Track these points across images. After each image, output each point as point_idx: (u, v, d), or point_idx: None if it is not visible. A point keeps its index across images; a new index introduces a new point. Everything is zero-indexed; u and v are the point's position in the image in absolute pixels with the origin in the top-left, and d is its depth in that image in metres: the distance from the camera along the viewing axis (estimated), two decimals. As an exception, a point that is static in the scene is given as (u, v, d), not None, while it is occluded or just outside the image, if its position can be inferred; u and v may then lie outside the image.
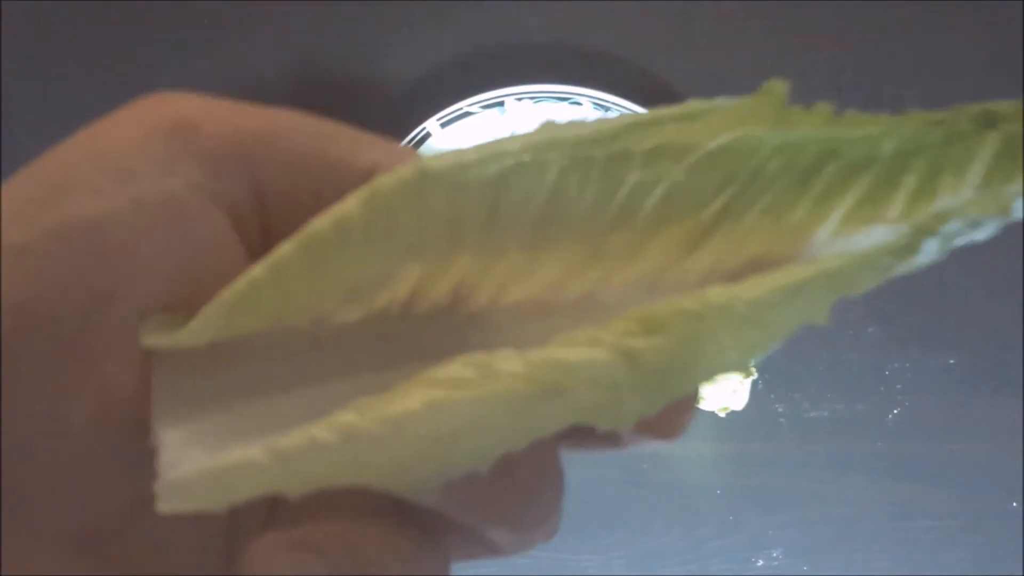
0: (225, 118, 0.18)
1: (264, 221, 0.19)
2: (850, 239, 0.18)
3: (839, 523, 0.62)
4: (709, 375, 0.17)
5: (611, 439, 0.19)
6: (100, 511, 0.18)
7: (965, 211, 0.17)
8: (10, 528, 0.17)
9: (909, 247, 0.17)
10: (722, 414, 0.61)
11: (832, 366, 0.65)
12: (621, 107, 0.66)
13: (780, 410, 0.64)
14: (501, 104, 0.67)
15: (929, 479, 0.62)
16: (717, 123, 0.18)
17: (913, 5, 0.74)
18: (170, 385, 0.17)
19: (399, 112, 0.67)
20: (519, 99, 0.67)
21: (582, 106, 0.67)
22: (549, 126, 0.18)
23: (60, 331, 0.16)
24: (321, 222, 0.17)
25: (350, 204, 0.17)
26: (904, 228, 0.17)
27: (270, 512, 0.19)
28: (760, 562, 0.61)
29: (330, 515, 0.18)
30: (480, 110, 0.67)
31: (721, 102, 0.18)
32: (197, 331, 0.17)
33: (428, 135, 0.66)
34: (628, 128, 0.18)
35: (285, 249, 0.17)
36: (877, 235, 0.17)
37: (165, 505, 0.16)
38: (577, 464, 0.64)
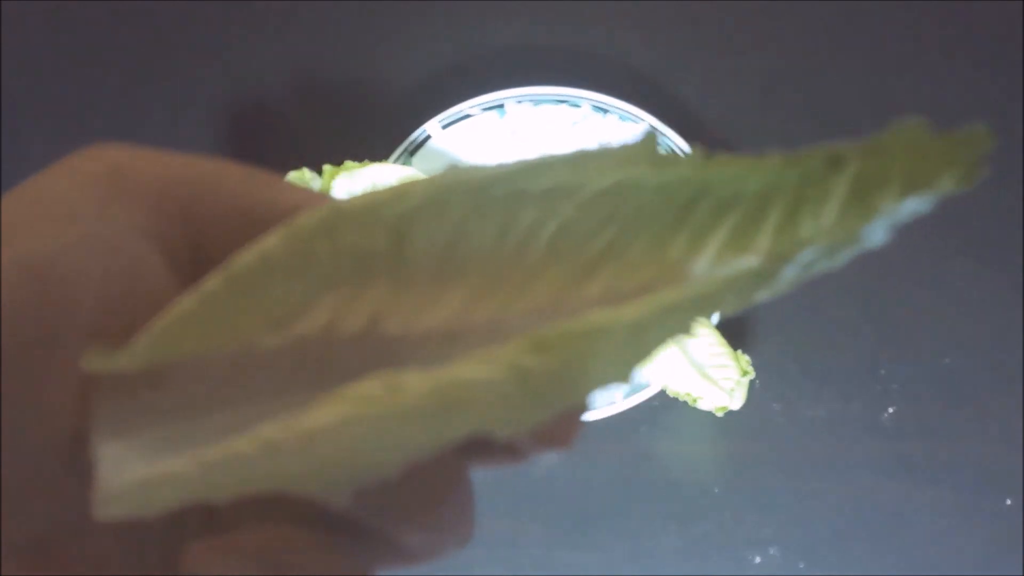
0: (157, 165, 0.20)
1: (194, 256, 0.21)
2: (724, 268, 0.20)
3: (836, 522, 0.62)
4: (594, 387, 0.19)
5: (512, 452, 0.21)
6: (50, 523, 0.19)
7: (819, 241, 0.19)
8: None
9: (768, 273, 0.19)
10: (719, 414, 0.62)
11: (828, 366, 0.66)
12: (620, 109, 0.67)
13: (777, 409, 0.65)
14: (501, 107, 0.68)
15: (925, 478, 0.63)
16: (603, 166, 0.20)
17: (913, 5, 0.74)
18: (109, 405, 0.19)
19: (400, 114, 0.68)
20: (519, 101, 0.68)
21: (581, 108, 0.68)
22: (453, 169, 0.20)
23: (12, 359, 0.18)
24: (245, 256, 0.19)
25: (272, 240, 0.19)
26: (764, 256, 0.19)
27: (207, 520, 0.21)
28: (757, 559, 0.62)
29: (261, 522, 0.20)
30: (480, 112, 0.68)
31: (604, 149, 0.20)
32: (132, 356, 0.19)
33: (429, 137, 0.67)
34: (524, 171, 0.20)
35: (212, 281, 0.19)
36: (745, 263, 0.20)
37: (102, 512, 0.18)
38: (577, 464, 0.64)
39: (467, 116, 0.67)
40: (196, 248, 0.21)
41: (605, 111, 0.67)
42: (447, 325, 0.20)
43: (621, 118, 0.66)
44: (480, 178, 0.19)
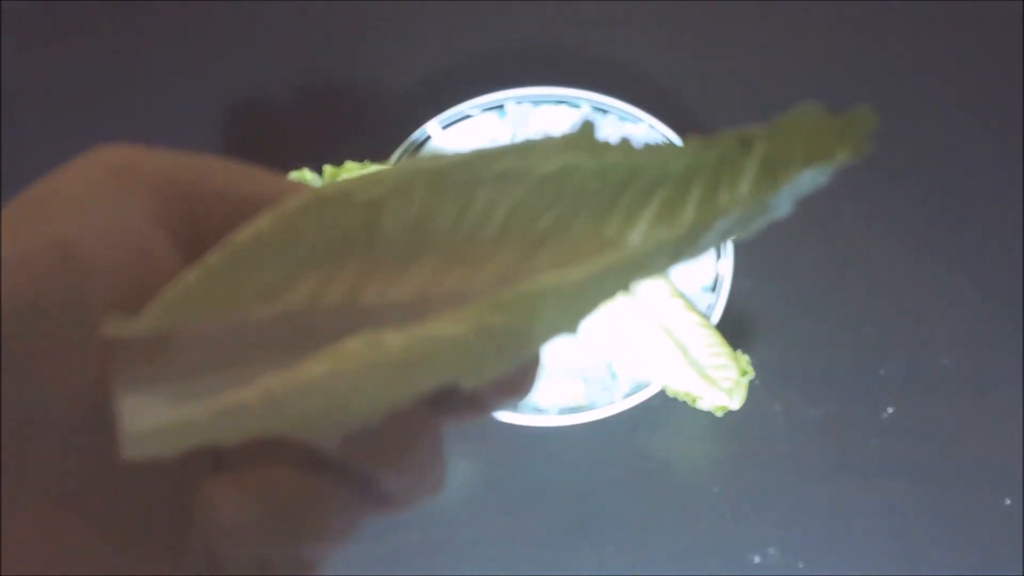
0: (161, 161, 0.24)
1: (195, 237, 0.24)
2: (654, 238, 0.23)
3: (835, 522, 0.63)
4: (548, 339, 0.22)
5: (476, 406, 0.24)
6: (77, 473, 0.22)
7: (734, 212, 0.22)
8: (9, 491, 0.21)
9: (690, 239, 0.23)
10: (719, 414, 0.62)
11: (828, 366, 0.66)
12: (620, 110, 0.67)
13: (777, 409, 0.65)
14: (501, 107, 0.68)
15: (924, 478, 0.63)
16: (547, 153, 0.23)
17: (913, 5, 0.74)
18: (126, 367, 0.22)
19: (400, 115, 0.68)
20: (519, 102, 0.68)
21: (581, 108, 0.68)
22: (415, 159, 0.23)
23: (45, 328, 0.21)
24: (240, 235, 0.22)
25: (262, 220, 0.22)
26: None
27: (215, 467, 0.24)
28: (756, 559, 0.62)
29: (263, 465, 0.23)
30: (480, 113, 0.68)
31: (549, 138, 0.23)
32: (145, 324, 0.21)
33: (429, 137, 0.67)
34: (477, 159, 0.23)
35: (211, 257, 0.22)
36: (671, 233, 0.23)
37: (128, 453, 0.21)
38: (576, 464, 0.64)
39: (467, 116, 0.68)
40: (196, 231, 0.24)
41: (605, 111, 0.67)
42: (416, 295, 0.23)
43: (620, 118, 0.66)
44: (440, 166, 0.22)
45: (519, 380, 0.24)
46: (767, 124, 0.23)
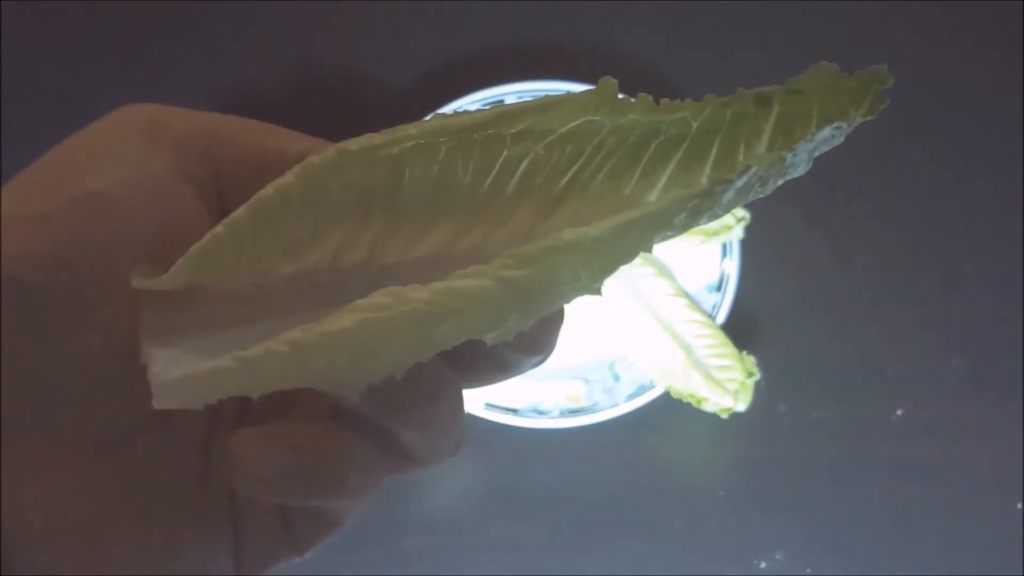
0: (186, 118, 0.24)
1: (220, 194, 0.24)
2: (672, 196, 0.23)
3: (842, 525, 0.62)
4: (570, 295, 0.23)
5: (498, 363, 0.25)
6: (107, 423, 0.23)
7: (750, 168, 0.23)
8: (35, 432, 0.22)
9: (710, 195, 0.23)
10: (724, 416, 0.61)
11: (835, 367, 0.65)
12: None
13: (783, 411, 0.64)
14: (500, 102, 0.67)
15: (932, 480, 0.63)
16: (567, 112, 0.23)
17: (913, 5, 0.73)
18: (155, 318, 0.22)
19: (398, 111, 0.67)
20: (518, 97, 0.67)
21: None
22: (439, 116, 0.23)
23: (76, 278, 0.22)
24: (267, 190, 0.22)
25: (288, 176, 0.22)
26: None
27: (239, 420, 0.25)
28: (762, 564, 0.61)
29: (291, 418, 0.23)
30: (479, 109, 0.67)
31: (569, 96, 0.23)
32: (173, 276, 0.22)
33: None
34: (499, 116, 0.23)
35: (239, 212, 0.22)
36: (691, 190, 0.23)
37: (158, 403, 0.21)
38: (580, 467, 0.63)
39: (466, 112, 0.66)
40: (222, 187, 0.24)
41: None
42: (436, 253, 0.23)
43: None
44: (462, 123, 0.23)
45: (541, 338, 0.24)
46: (785, 84, 0.24)
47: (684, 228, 0.23)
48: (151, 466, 0.23)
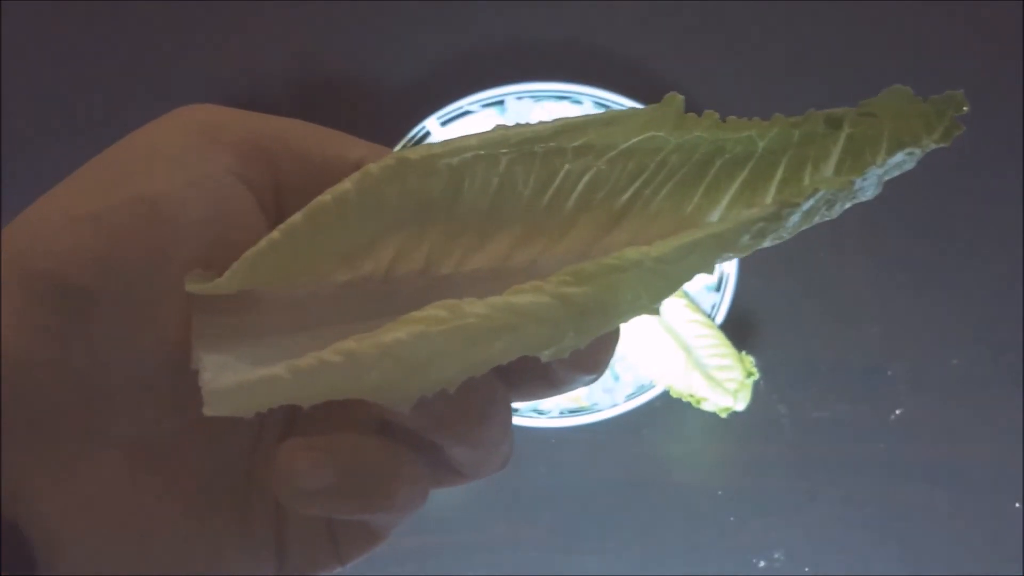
0: (244, 120, 0.24)
1: (277, 198, 0.24)
2: (735, 217, 0.23)
3: (841, 524, 0.62)
4: (628, 315, 0.22)
5: (550, 380, 0.24)
6: (155, 427, 0.23)
7: (819, 191, 0.23)
8: (83, 433, 0.22)
9: (776, 216, 0.23)
10: (723, 415, 0.61)
11: (834, 367, 0.65)
12: (621, 105, 0.66)
13: (782, 411, 0.65)
14: (501, 103, 0.67)
15: (931, 480, 0.63)
16: (630, 127, 0.23)
17: (914, 5, 0.73)
18: (207, 323, 0.22)
19: (399, 110, 0.67)
20: (519, 97, 0.67)
21: (582, 105, 0.67)
22: (500, 127, 0.23)
23: (131, 279, 0.22)
24: (324, 197, 0.22)
25: (346, 183, 0.22)
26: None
27: (286, 426, 0.25)
28: (761, 563, 0.61)
29: (337, 430, 0.23)
30: (480, 108, 0.67)
31: (633, 110, 0.23)
32: (228, 281, 0.22)
33: (428, 134, 0.66)
34: (561, 129, 0.23)
35: (296, 218, 0.22)
36: (756, 211, 0.23)
37: (209, 410, 0.21)
38: (579, 466, 0.63)
39: (467, 112, 0.67)
40: (279, 191, 0.24)
41: (606, 107, 0.66)
42: (492, 266, 0.23)
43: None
44: (524, 135, 0.23)
45: (596, 357, 0.24)
46: (856, 106, 0.24)
47: (747, 250, 0.23)
48: (197, 470, 0.23)
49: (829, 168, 0.23)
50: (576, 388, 0.25)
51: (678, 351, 0.61)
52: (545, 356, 0.22)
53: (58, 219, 0.22)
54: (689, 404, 0.62)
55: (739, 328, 0.65)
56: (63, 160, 0.74)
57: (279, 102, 0.70)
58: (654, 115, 0.23)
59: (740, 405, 0.61)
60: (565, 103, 0.67)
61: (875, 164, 0.23)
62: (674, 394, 0.62)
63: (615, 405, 0.61)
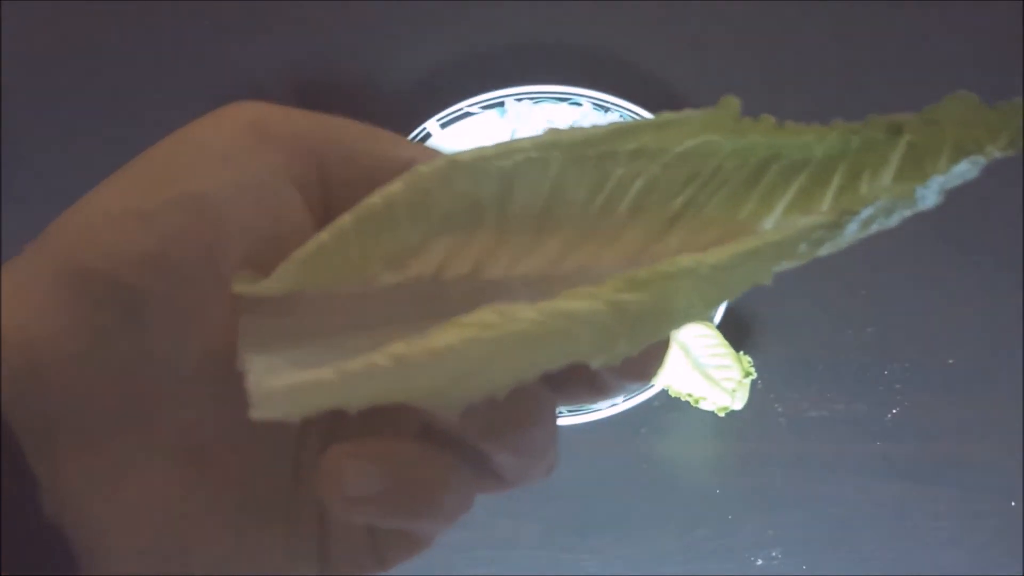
0: (292, 119, 0.24)
1: (326, 197, 0.24)
2: (790, 225, 0.22)
3: (838, 523, 0.62)
4: (681, 322, 0.22)
5: (599, 387, 0.24)
6: (201, 428, 0.22)
7: (880, 199, 0.22)
8: (129, 433, 0.22)
9: (836, 225, 0.22)
10: (721, 414, 0.62)
11: (831, 366, 0.66)
12: (620, 108, 0.67)
13: (779, 410, 0.65)
14: (501, 105, 0.68)
15: (928, 479, 0.63)
16: (684, 131, 0.23)
17: (914, 5, 0.74)
18: (253, 325, 0.22)
19: (399, 112, 0.67)
20: (519, 99, 0.68)
21: (582, 107, 0.67)
22: (553, 130, 0.22)
23: (179, 278, 0.21)
24: (374, 198, 0.22)
25: (396, 185, 0.22)
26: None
27: (330, 430, 0.24)
28: (759, 562, 0.61)
29: (383, 435, 0.23)
30: (480, 110, 0.68)
31: (688, 113, 0.23)
32: (276, 282, 0.22)
33: (428, 135, 0.67)
34: (615, 133, 0.22)
35: (345, 219, 0.22)
36: (814, 218, 0.22)
37: (256, 412, 0.21)
38: (578, 465, 0.64)
39: (467, 114, 0.67)
40: (327, 191, 0.24)
41: (606, 109, 0.66)
42: (543, 270, 0.23)
43: (622, 116, 0.66)
44: (576, 139, 0.22)
45: (646, 364, 0.23)
46: (919, 112, 0.23)
47: (804, 259, 0.22)
48: (241, 472, 0.23)
49: (888, 176, 0.22)
50: (624, 394, 0.24)
51: (676, 351, 0.62)
52: (596, 363, 0.21)
53: (108, 216, 0.21)
54: (687, 403, 0.63)
55: (737, 328, 0.65)
56: (63, 160, 0.75)
57: (279, 103, 0.70)
58: (710, 119, 0.23)
59: (738, 404, 0.62)
60: (564, 105, 0.67)
61: (937, 172, 0.22)
62: (672, 393, 0.62)
63: (614, 404, 0.62)
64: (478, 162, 0.22)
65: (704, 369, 0.62)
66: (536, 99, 0.67)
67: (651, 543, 0.63)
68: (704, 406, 0.62)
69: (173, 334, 0.22)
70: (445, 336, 0.20)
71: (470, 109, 0.67)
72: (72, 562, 0.21)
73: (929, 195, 0.23)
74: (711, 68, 0.72)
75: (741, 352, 0.62)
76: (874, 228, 0.23)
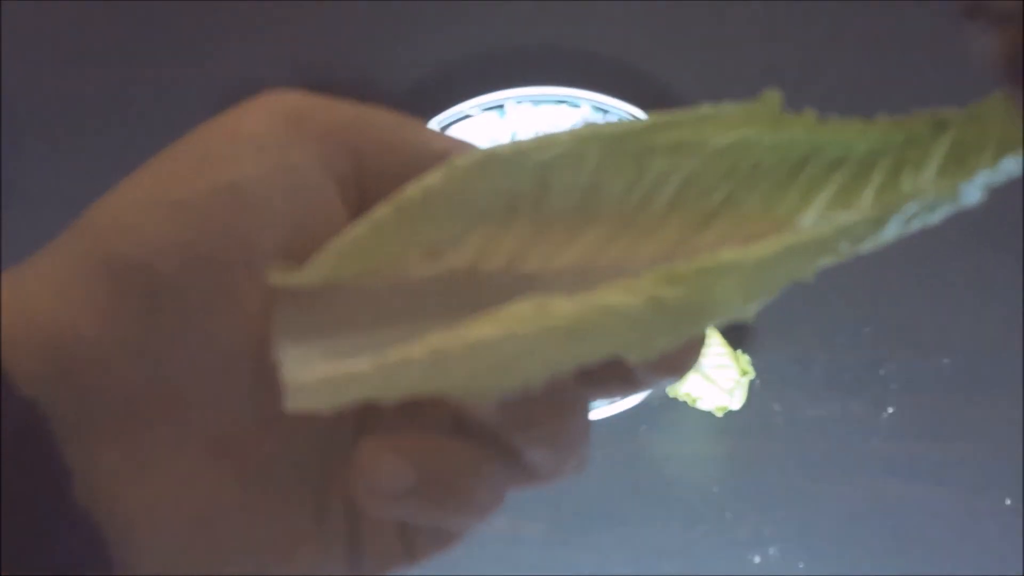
0: (328, 109, 0.23)
1: (360, 188, 0.24)
2: (830, 222, 0.22)
3: (836, 522, 0.63)
4: (720, 318, 0.22)
5: (632, 381, 0.24)
6: (234, 420, 0.22)
7: (923, 195, 0.22)
8: (161, 424, 0.22)
9: (879, 221, 0.22)
10: (719, 414, 0.62)
11: (828, 366, 0.66)
12: (620, 110, 0.67)
13: (776, 409, 0.65)
14: (501, 107, 0.68)
15: (924, 478, 0.63)
16: (723, 125, 0.22)
17: (911, 5, 0.74)
18: (288, 316, 0.22)
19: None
20: (519, 102, 0.68)
21: (581, 108, 0.68)
22: (590, 124, 0.22)
23: (213, 268, 0.21)
24: (411, 189, 0.22)
25: (433, 176, 0.22)
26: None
27: (361, 422, 0.24)
28: (757, 559, 0.62)
29: (416, 429, 0.23)
30: (480, 113, 0.68)
31: (727, 107, 0.23)
32: (311, 273, 0.22)
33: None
34: (653, 127, 0.22)
35: (382, 210, 0.22)
36: (854, 215, 0.22)
37: (290, 404, 0.21)
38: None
39: (467, 116, 0.67)
40: (362, 181, 0.24)
41: (605, 111, 0.67)
42: (579, 263, 0.23)
43: (621, 119, 0.66)
44: (614, 133, 0.22)
45: (681, 358, 0.23)
46: (963, 109, 0.23)
47: (845, 255, 0.22)
48: (272, 465, 0.23)
49: (930, 172, 0.22)
50: (656, 387, 0.24)
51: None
52: (633, 357, 0.21)
53: (142, 205, 0.21)
54: (685, 403, 0.63)
55: (734, 327, 0.65)
56: (65, 159, 0.75)
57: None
58: (750, 113, 0.22)
59: (736, 404, 0.62)
60: (564, 107, 0.68)
61: (982, 168, 0.22)
62: (670, 393, 0.63)
63: (612, 403, 0.62)
64: (515, 155, 0.22)
65: (702, 368, 0.62)
66: (536, 101, 0.68)
67: (649, 541, 0.63)
68: (702, 405, 0.62)
69: (206, 324, 0.21)
70: (481, 329, 0.20)
71: (470, 111, 0.67)
72: (104, 552, 0.21)
73: (973, 191, 0.22)
74: (712, 70, 0.72)
75: (739, 351, 0.63)
76: (915, 225, 0.23)
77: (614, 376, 0.23)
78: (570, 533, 0.63)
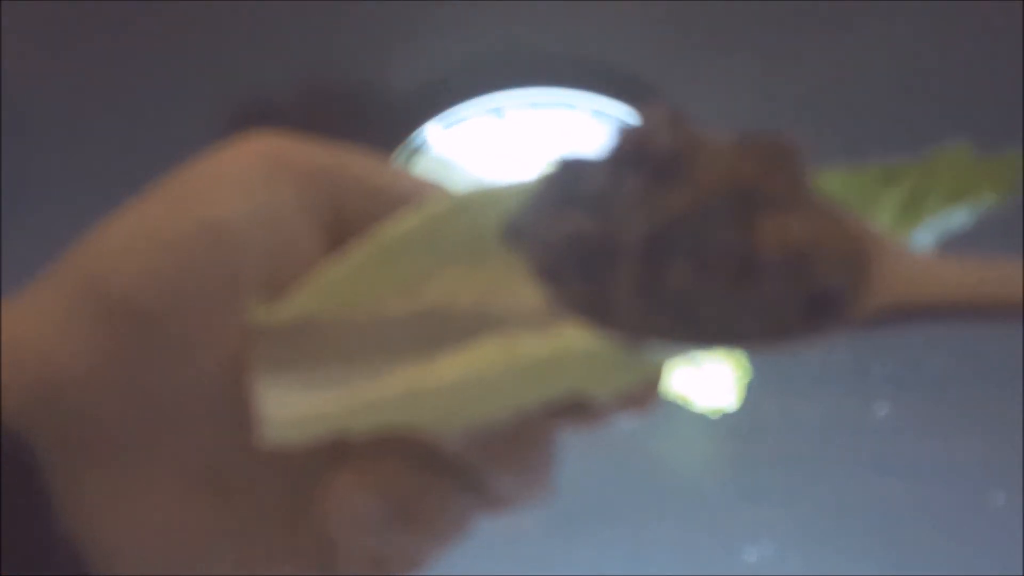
0: (306, 151, 0.25)
1: (338, 227, 0.24)
2: None
3: (830, 520, 0.63)
4: (680, 355, 0.23)
5: (599, 415, 0.24)
6: (216, 452, 0.23)
7: None
8: (141, 455, 0.22)
9: None
10: (715, 416, 0.62)
11: (822, 365, 0.66)
12: (619, 114, 0.67)
13: (772, 408, 0.65)
14: (500, 109, 0.68)
15: (918, 476, 0.64)
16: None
17: (915, 5, 0.73)
18: (265, 351, 0.22)
19: (398, 117, 0.68)
20: (518, 104, 0.68)
21: (580, 112, 0.68)
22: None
23: (196, 303, 0.22)
24: (385, 229, 0.23)
25: (407, 217, 0.23)
26: None
27: (334, 453, 0.25)
28: (753, 557, 0.62)
29: (391, 461, 0.23)
30: (479, 115, 0.68)
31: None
32: (288, 309, 0.23)
33: (427, 140, 0.67)
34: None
35: (358, 249, 0.23)
36: None
37: (267, 438, 0.21)
38: (573, 463, 0.64)
39: (466, 119, 0.67)
40: (338, 220, 0.24)
41: (604, 115, 0.67)
42: (544, 304, 0.23)
43: (619, 123, 0.66)
44: None
45: (645, 395, 0.24)
46: (915, 159, 0.23)
47: None
48: (249, 493, 0.24)
49: (884, 219, 0.23)
50: (623, 422, 0.25)
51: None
52: (596, 395, 0.22)
53: (128, 243, 0.22)
54: (682, 403, 0.63)
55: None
56: (66, 165, 0.75)
57: (279, 108, 0.70)
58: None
59: (731, 404, 0.62)
60: (563, 109, 0.68)
61: (930, 219, 0.23)
62: (666, 393, 0.63)
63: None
64: (485, 199, 0.23)
65: (698, 367, 0.62)
66: (535, 104, 0.68)
67: (645, 539, 0.63)
68: (697, 405, 0.62)
69: (188, 358, 0.22)
70: (452, 367, 0.21)
71: (469, 114, 0.68)
72: None
73: (924, 239, 0.23)
74: (712, 74, 0.72)
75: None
76: None
77: (579, 411, 0.24)
78: (565, 531, 0.64)
